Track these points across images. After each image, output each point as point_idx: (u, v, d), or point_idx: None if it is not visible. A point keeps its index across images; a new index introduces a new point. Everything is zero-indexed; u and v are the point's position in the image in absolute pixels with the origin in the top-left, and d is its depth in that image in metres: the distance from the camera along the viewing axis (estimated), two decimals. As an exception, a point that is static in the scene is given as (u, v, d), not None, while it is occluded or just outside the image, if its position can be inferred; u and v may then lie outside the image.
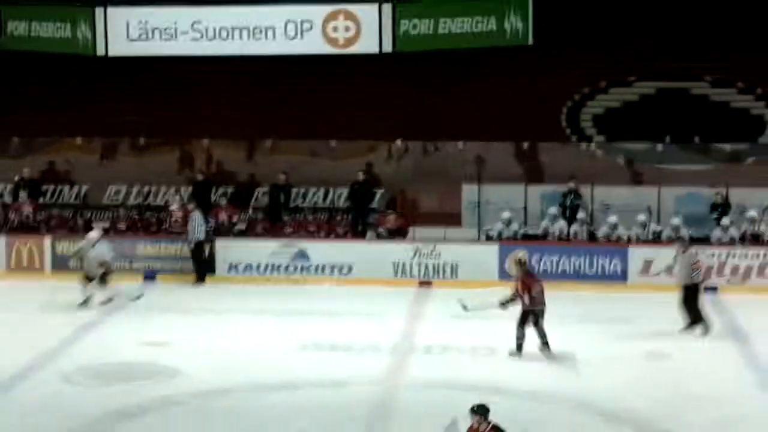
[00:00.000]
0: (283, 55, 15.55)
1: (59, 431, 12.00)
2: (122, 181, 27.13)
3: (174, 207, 25.36)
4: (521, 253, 20.12)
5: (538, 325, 18.23)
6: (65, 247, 24.76)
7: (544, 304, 18.37)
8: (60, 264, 24.78)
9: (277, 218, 25.94)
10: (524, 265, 19.13)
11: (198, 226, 24.13)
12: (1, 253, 24.72)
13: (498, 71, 25.59)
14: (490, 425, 10.61)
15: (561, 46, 25.36)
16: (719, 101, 27.58)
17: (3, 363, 17.55)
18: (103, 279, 21.57)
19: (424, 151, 27.19)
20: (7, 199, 26.61)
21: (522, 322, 18.21)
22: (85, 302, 21.59)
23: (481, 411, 10.72)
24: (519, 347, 18.25)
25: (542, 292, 18.37)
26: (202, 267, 24.10)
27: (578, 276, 23.87)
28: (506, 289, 20.05)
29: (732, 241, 23.39)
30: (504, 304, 18.39)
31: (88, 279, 21.60)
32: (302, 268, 23.86)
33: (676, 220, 24.08)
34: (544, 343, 18.25)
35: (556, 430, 14.95)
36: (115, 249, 22.94)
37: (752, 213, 24.09)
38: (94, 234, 22.31)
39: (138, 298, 21.77)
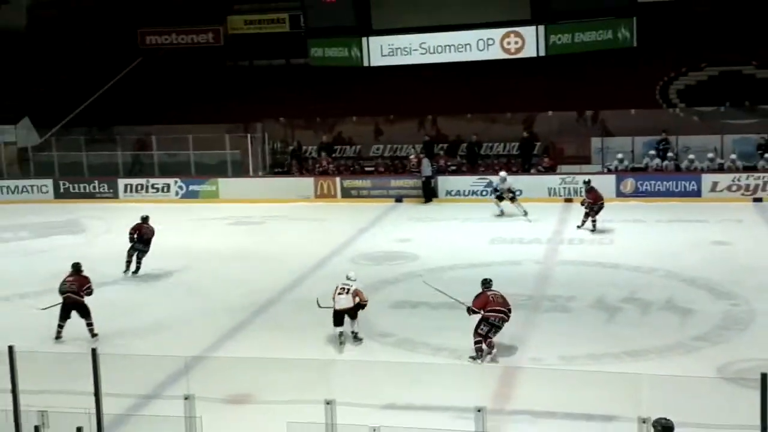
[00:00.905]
0: (476, 60, 15.40)
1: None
2: (380, 142, 27.48)
3: (411, 156, 25.59)
4: (586, 177, 21.06)
5: (593, 218, 19.26)
6: (349, 182, 25.31)
7: (600, 206, 19.17)
8: (345, 193, 25.24)
9: (474, 162, 25.82)
10: (587, 184, 19.84)
11: (426, 168, 24.33)
12: (312, 188, 25.31)
13: (613, 64, 24.62)
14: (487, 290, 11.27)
15: (655, 46, 24.11)
16: (762, 78, 25.90)
17: (315, 252, 18.31)
18: (513, 199, 21.90)
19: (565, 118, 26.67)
20: (314, 155, 27.35)
21: (585, 216, 19.41)
22: (501, 213, 21.88)
23: (487, 282, 11.34)
24: (579, 226, 19.56)
25: (596, 200, 19.11)
26: (429, 193, 24.27)
27: (668, 193, 22.90)
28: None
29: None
30: (584, 208, 19.43)
31: (500, 199, 21.97)
32: (490, 192, 23.57)
33: (733, 156, 23.36)
34: (593, 228, 19.28)
35: (654, 291, 14.66)
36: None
37: (788, 150, 23.27)
38: (503, 173, 22.56)
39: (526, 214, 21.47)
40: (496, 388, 10.20)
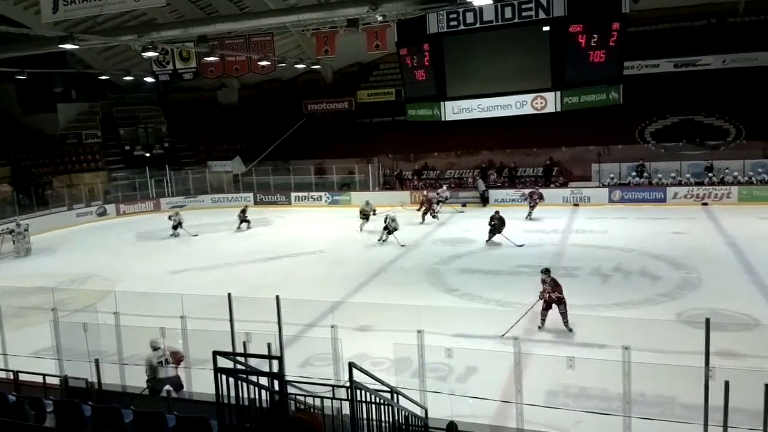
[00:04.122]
0: (515, 115, 14.73)
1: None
2: (451, 168, 26.71)
3: (473, 179, 24.99)
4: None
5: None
6: (429, 193, 24.49)
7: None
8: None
9: (513, 181, 24.68)
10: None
11: (481, 184, 23.84)
12: (408, 197, 24.89)
13: (606, 115, 22.26)
14: (550, 278, 9.84)
15: (635, 103, 20.19)
16: (708, 123, 23.96)
17: (411, 237, 17.69)
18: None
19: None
20: (409, 177, 26.95)
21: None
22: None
23: (546, 271, 9.92)
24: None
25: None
26: (485, 201, 23.53)
27: (643, 200, 21.68)
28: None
29: None
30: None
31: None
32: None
33: (687, 175, 21.95)
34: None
35: (632, 264, 13.98)
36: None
37: None
38: (446, 192, 21.96)
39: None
40: (526, 325, 9.98)
